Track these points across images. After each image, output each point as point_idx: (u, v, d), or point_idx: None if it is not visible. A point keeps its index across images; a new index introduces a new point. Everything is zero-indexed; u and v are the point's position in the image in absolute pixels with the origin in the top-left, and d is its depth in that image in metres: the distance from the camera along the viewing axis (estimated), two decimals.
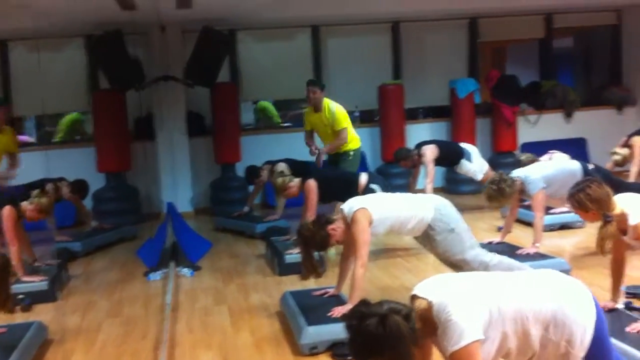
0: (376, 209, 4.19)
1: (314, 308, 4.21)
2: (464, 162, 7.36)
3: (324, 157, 6.78)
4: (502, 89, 9.18)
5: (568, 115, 9.64)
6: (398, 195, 4.61)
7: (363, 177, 5.69)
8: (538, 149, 7.75)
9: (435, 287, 2.39)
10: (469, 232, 4.36)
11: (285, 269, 5.58)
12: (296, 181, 5.84)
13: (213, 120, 8.64)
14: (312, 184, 5.71)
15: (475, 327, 2.24)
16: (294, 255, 5.54)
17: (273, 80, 9.14)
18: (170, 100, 8.58)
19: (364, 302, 2.28)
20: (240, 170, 8.57)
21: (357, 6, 8.41)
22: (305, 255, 4.23)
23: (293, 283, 5.31)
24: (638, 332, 3.50)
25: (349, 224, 4.15)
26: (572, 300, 2.39)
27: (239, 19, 8.56)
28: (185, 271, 5.85)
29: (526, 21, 9.45)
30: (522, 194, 5.50)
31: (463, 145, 7.55)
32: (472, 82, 9.19)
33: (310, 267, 4.27)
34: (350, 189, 5.43)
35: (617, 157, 7.02)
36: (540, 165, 5.79)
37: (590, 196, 3.61)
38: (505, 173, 5.53)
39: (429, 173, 7.22)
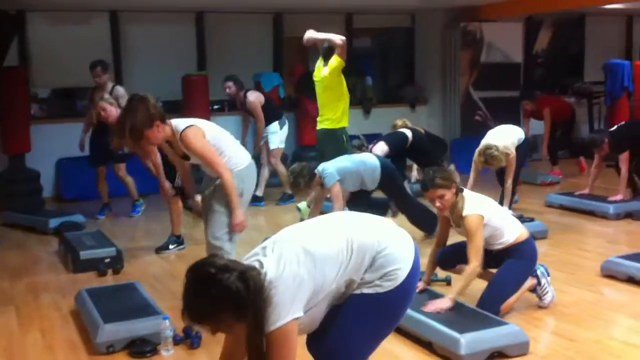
0: None
1: (111, 305, 4.00)
2: None
3: None
4: (305, 83, 9.35)
5: (366, 111, 10.11)
6: None
7: None
8: None
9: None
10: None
11: (80, 266, 5.26)
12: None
13: None
14: None
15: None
16: (89, 251, 5.30)
17: (67, 66, 8.56)
18: None
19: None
20: (30, 161, 7.95)
21: None
22: None
23: (89, 280, 5.02)
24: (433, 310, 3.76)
25: None
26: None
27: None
28: None
29: (328, 19, 9.71)
30: (322, 187, 5.61)
31: None
32: (277, 76, 9.27)
33: None
34: None
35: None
36: (338, 159, 5.87)
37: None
38: (306, 165, 5.61)
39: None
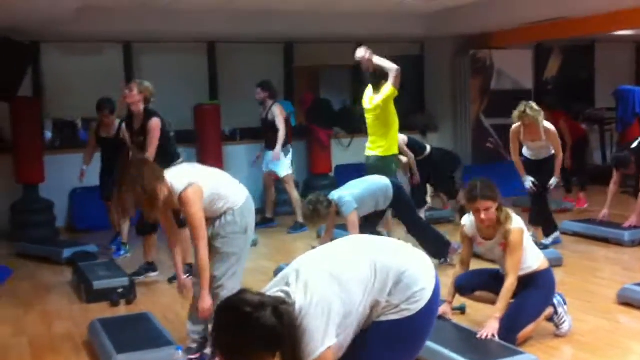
0: None
1: (124, 336, 3.98)
2: None
3: None
4: (316, 112, 9.40)
5: None
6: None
7: None
8: (351, 170, 8.01)
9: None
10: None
11: (93, 296, 5.25)
12: None
13: (13, 137, 7.98)
14: None
15: None
16: (102, 281, 5.30)
17: (81, 96, 8.63)
18: None
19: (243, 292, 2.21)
20: (44, 191, 7.99)
21: (171, 24, 8.22)
22: None
23: (102, 310, 5.00)
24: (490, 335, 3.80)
25: None
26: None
27: (43, 31, 8.02)
28: None
29: (338, 48, 9.76)
30: (337, 215, 5.60)
31: None
32: (288, 104, 9.32)
33: None
34: None
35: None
36: (350, 186, 5.86)
37: None
38: (322, 194, 5.60)
39: None
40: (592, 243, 6.64)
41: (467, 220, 4.21)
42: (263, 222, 7.78)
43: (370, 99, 6.25)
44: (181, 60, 9.32)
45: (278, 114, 7.87)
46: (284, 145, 7.90)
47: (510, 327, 3.91)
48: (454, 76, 10.44)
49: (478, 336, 3.80)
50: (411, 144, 7.50)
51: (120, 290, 5.24)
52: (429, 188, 8.09)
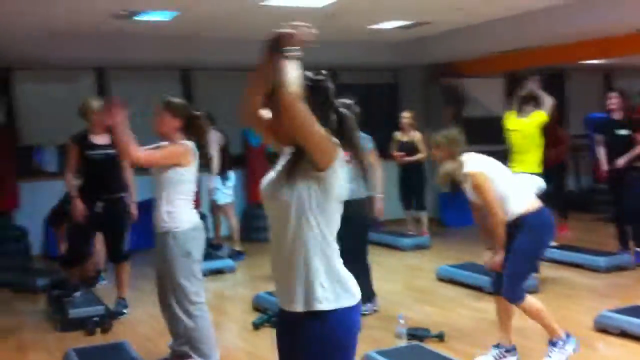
0: None
1: None
2: None
3: None
4: None
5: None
6: None
7: None
8: None
9: None
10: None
11: (68, 325, 5.17)
12: None
13: None
14: None
15: None
16: (78, 309, 5.24)
17: (55, 123, 8.56)
18: None
19: None
20: (19, 218, 7.88)
21: (144, 51, 8.22)
22: None
23: (78, 339, 4.93)
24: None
25: None
26: None
27: (15, 58, 7.96)
28: None
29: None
30: None
31: None
32: (251, 132, 9.30)
33: None
34: None
35: None
36: None
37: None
38: None
39: None
40: (567, 269, 6.72)
41: None
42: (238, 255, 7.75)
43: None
44: (155, 86, 9.29)
45: (211, 141, 7.63)
46: (222, 173, 7.82)
47: (511, 286, 3.97)
48: (426, 104, 10.56)
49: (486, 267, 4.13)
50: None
51: (95, 319, 5.17)
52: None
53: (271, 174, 2.27)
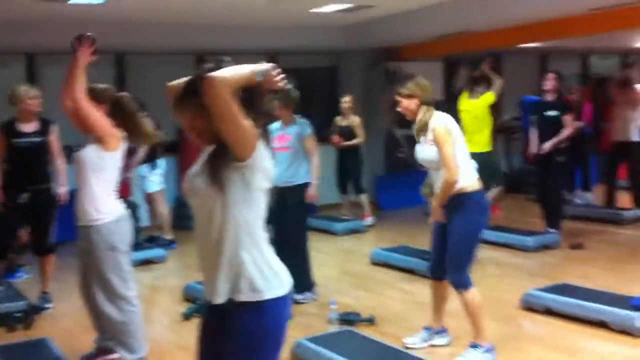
0: None
1: None
2: None
3: None
4: None
5: None
6: None
7: None
8: None
9: None
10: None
11: None
12: None
13: None
14: None
15: None
16: None
17: None
18: None
19: None
20: None
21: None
22: None
23: None
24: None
25: None
26: None
27: None
28: None
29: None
30: None
31: None
32: None
33: None
34: None
35: None
36: None
37: None
38: None
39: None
40: (497, 249, 6.79)
41: None
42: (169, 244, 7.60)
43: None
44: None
45: None
46: (151, 160, 7.64)
47: (454, 267, 3.96)
48: (366, 88, 10.55)
49: (429, 222, 4.15)
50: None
51: (17, 315, 4.98)
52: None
53: (194, 169, 2.24)
